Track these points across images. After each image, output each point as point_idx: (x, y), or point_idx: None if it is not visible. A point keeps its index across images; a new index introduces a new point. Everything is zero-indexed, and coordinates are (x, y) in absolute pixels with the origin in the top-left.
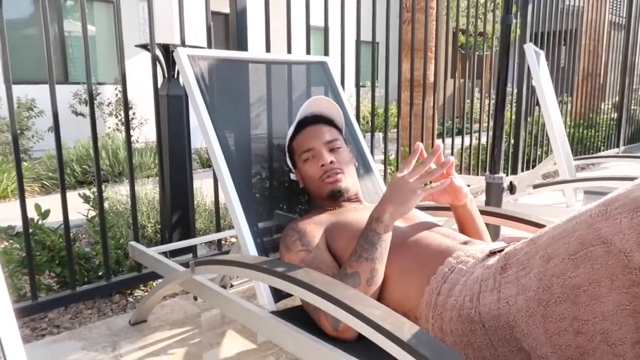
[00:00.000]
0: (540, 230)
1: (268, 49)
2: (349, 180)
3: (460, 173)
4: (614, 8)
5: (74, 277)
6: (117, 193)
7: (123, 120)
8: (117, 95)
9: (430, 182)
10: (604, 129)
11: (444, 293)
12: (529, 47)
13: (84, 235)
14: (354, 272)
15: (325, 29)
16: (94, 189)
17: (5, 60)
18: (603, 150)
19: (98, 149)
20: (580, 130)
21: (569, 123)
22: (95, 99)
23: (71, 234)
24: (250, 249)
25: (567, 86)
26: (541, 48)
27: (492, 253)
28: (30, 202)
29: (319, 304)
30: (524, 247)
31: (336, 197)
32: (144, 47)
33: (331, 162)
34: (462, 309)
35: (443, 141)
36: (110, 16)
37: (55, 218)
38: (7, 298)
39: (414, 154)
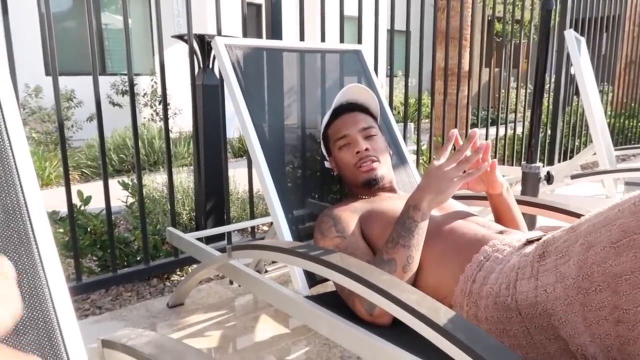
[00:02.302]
0: (581, 219)
1: (302, 38)
2: (384, 168)
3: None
4: None
5: (114, 261)
6: (153, 181)
7: (158, 111)
8: (152, 86)
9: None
10: None
11: (479, 281)
12: (570, 34)
13: (121, 222)
14: (391, 258)
15: (359, 18)
16: (132, 177)
17: (52, 52)
18: None
19: (138, 138)
20: (622, 120)
21: (609, 113)
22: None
23: (113, 219)
24: (286, 234)
25: (609, 75)
26: (582, 34)
27: (529, 242)
28: (72, 189)
29: (355, 288)
30: (563, 235)
31: (371, 185)
32: (180, 37)
33: (366, 149)
34: (498, 297)
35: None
36: (145, 8)
37: (94, 205)
38: (63, 277)
39: (449, 141)
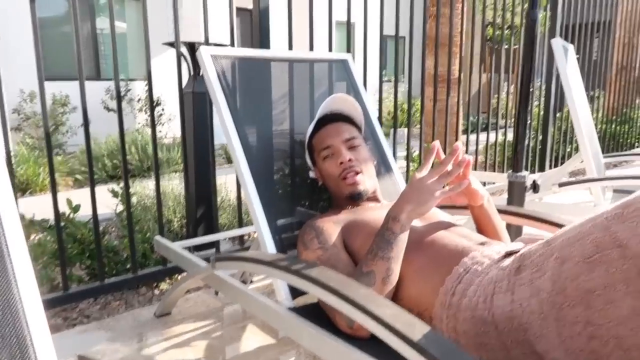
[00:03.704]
0: (556, 232)
1: (290, 47)
2: (367, 180)
3: (486, 170)
4: None
5: (102, 270)
6: (146, 188)
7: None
8: (147, 91)
9: (447, 184)
10: (638, 125)
11: (459, 293)
12: (557, 42)
13: (113, 228)
14: (370, 270)
15: (348, 24)
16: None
17: (38, 59)
18: (637, 147)
19: (125, 146)
20: (614, 127)
21: (601, 119)
22: (126, 95)
23: (101, 227)
24: (269, 246)
25: (600, 80)
26: (573, 40)
27: (508, 254)
28: (64, 196)
29: (333, 302)
30: (539, 248)
31: (355, 199)
32: (171, 44)
33: (350, 159)
34: (475, 310)
35: (468, 137)
36: (141, 13)
37: (87, 211)
38: (37, 293)
39: (431, 153)
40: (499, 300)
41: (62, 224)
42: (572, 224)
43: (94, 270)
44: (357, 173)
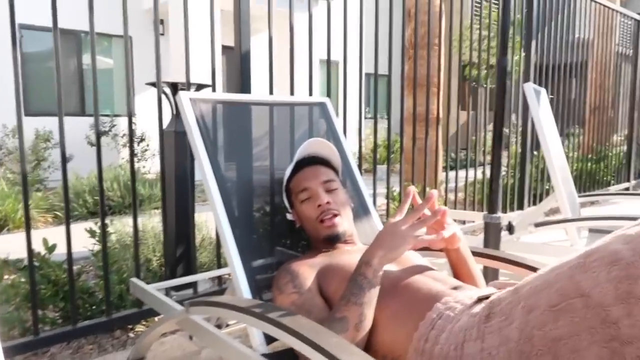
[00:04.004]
0: (524, 280)
1: (271, 90)
2: (345, 222)
3: (465, 208)
4: (623, 39)
5: (75, 313)
6: (126, 225)
7: (137, 151)
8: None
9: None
10: (614, 162)
11: (432, 340)
12: (529, 87)
13: (91, 268)
14: (343, 316)
15: (328, 64)
16: (107, 220)
17: (17, 94)
18: (613, 184)
19: (103, 183)
20: (589, 165)
21: (578, 157)
22: (111, 131)
23: (78, 267)
24: (244, 289)
25: (578, 119)
26: (549, 80)
27: (480, 299)
28: (42, 233)
29: (305, 350)
30: (507, 296)
31: (333, 241)
32: (153, 85)
33: (328, 202)
34: (447, 358)
35: (447, 175)
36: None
37: (65, 249)
38: None
39: (406, 199)
40: (469, 348)
41: (36, 264)
42: (538, 272)
43: (68, 313)
44: (334, 216)
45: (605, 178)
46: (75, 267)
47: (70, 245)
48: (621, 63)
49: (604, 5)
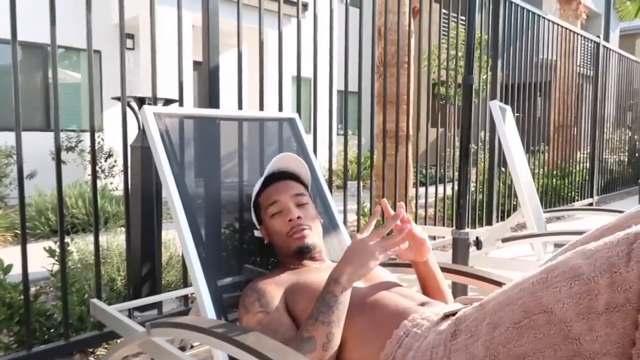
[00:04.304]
0: (489, 295)
1: (240, 106)
2: (315, 237)
3: (435, 224)
4: (584, 61)
5: (30, 337)
6: (90, 243)
7: (104, 167)
8: (99, 142)
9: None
10: (577, 179)
11: (399, 359)
12: (495, 105)
13: (51, 289)
14: (310, 336)
15: (298, 80)
16: (68, 238)
17: None
18: (577, 200)
19: (62, 199)
20: (555, 181)
21: (543, 173)
22: (77, 147)
23: (38, 288)
24: (208, 309)
25: (543, 136)
26: (514, 99)
27: (447, 316)
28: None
29: None
30: (473, 312)
31: (303, 254)
32: (118, 99)
33: (299, 217)
34: None
35: (417, 190)
36: (95, 65)
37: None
38: None
39: (373, 217)
40: None
41: None
42: (503, 288)
43: (23, 337)
44: (304, 229)
45: (569, 194)
46: (33, 288)
47: (27, 265)
48: (583, 84)
49: (566, 28)
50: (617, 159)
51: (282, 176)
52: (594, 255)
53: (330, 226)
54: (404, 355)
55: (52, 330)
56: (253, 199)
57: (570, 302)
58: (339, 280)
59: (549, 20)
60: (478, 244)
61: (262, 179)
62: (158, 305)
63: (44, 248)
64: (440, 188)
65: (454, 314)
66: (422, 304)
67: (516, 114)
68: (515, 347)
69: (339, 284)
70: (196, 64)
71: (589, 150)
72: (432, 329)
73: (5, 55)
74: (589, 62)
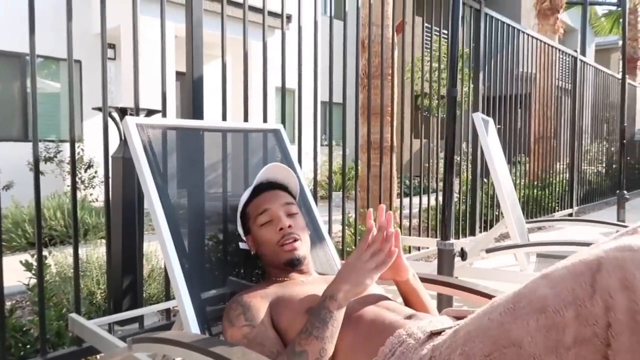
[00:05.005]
0: (461, 321)
1: (224, 117)
2: (304, 247)
3: (419, 234)
4: (562, 75)
5: (4, 354)
6: (69, 256)
7: (84, 178)
8: (79, 153)
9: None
10: (557, 189)
11: None
12: (477, 116)
13: (28, 303)
14: (303, 350)
15: (283, 90)
16: (46, 251)
17: None
18: (558, 210)
19: (40, 209)
20: (535, 192)
21: (524, 184)
22: (56, 157)
23: (14, 302)
24: (192, 323)
25: (524, 147)
26: (497, 111)
27: (433, 334)
28: None
29: None
30: (447, 339)
31: (293, 265)
32: (100, 109)
33: (289, 226)
34: None
35: (401, 201)
36: (75, 75)
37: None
38: None
39: (367, 233)
40: None
41: None
42: (474, 314)
43: None
44: (295, 240)
45: (550, 204)
46: (9, 303)
47: (1, 278)
48: (561, 96)
49: (545, 42)
50: (595, 170)
51: (271, 186)
52: (559, 286)
53: (315, 237)
54: None
55: (28, 346)
56: (240, 209)
57: (539, 336)
58: (335, 297)
59: (528, 34)
60: (463, 254)
61: (250, 188)
62: (139, 319)
63: (20, 261)
64: (424, 199)
65: (439, 332)
66: (409, 317)
67: (497, 126)
68: None
69: (335, 300)
70: (178, 74)
71: (568, 161)
72: (416, 350)
73: None
74: (566, 76)
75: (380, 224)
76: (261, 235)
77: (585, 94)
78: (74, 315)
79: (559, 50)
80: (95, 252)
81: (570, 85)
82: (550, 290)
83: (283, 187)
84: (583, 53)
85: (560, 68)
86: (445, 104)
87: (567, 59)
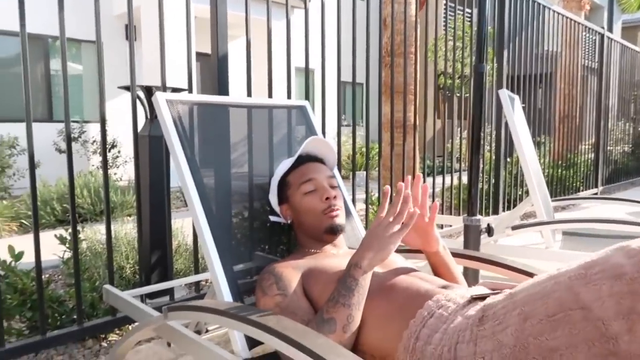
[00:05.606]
0: (519, 285)
1: (249, 94)
2: (344, 218)
3: (442, 213)
4: (587, 53)
5: (44, 322)
6: (97, 232)
7: (108, 158)
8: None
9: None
10: (582, 169)
11: (423, 339)
12: (504, 93)
13: (60, 277)
14: (330, 317)
15: (307, 70)
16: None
17: None
18: (582, 190)
19: (74, 188)
20: (560, 171)
21: (548, 163)
22: (80, 137)
23: (47, 276)
24: (225, 293)
25: (546, 127)
26: (518, 90)
27: (474, 299)
28: (7, 242)
29: (291, 352)
30: (502, 300)
31: (335, 232)
32: (127, 88)
33: (335, 197)
34: (440, 359)
35: (424, 180)
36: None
37: (32, 258)
38: None
39: (385, 197)
40: (462, 351)
41: (1, 272)
42: (535, 279)
43: (35, 323)
44: (339, 209)
45: (574, 184)
46: (43, 276)
47: (39, 250)
48: (586, 75)
49: (571, 19)
50: (620, 150)
51: (313, 158)
52: (638, 256)
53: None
54: (429, 336)
55: (64, 316)
56: (279, 177)
57: (610, 302)
58: (359, 264)
59: (554, 11)
60: (489, 230)
61: (293, 158)
62: (170, 292)
63: (55, 235)
64: (447, 178)
65: (481, 297)
66: (444, 287)
67: (522, 105)
68: (547, 340)
69: (360, 268)
70: (199, 55)
71: (593, 141)
72: (458, 312)
73: (6, 47)
74: (591, 54)
75: (399, 189)
76: (305, 203)
77: (612, 72)
78: (108, 286)
79: (586, 27)
80: (122, 229)
81: (596, 63)
82: (628, 259)
83: (323, 161)
84: (610, 30)
85: (584, 46)
86: (466, 83)
87: (593, 37)
